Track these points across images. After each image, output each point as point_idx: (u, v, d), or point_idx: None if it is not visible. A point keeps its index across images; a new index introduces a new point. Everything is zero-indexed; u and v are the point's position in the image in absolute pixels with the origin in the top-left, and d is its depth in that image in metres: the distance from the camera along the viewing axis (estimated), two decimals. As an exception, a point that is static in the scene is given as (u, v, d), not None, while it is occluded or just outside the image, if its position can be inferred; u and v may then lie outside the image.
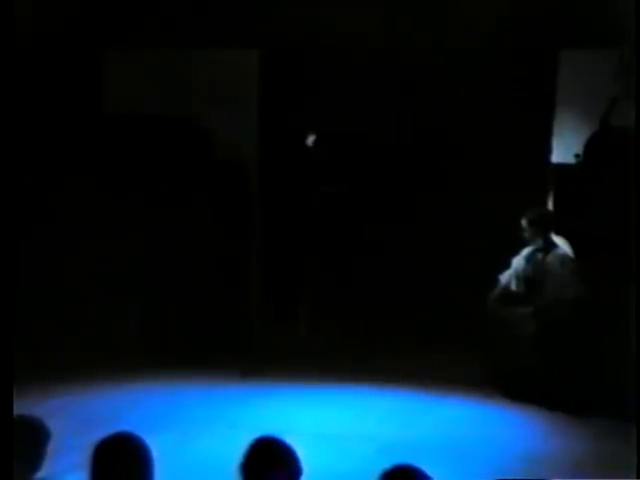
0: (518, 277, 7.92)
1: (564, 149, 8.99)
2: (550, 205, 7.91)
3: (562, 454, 6.50)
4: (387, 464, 3.51)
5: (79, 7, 9.33)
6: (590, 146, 8.75)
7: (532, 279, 7.86)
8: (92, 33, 9.46)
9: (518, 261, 7.96)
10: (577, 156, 8.77)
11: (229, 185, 9.50)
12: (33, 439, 3.89)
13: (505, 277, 7.97)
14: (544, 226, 7.86)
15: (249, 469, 3.60)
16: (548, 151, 9.07)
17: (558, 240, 7.89)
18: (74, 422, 6.43)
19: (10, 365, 3.93)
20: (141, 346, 8.63)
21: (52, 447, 3.99)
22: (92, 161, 9.13)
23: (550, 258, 7.83)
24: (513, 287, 7.93)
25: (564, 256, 7.81)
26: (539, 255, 7.90)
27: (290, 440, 3.71)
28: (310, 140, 9.08)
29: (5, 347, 3.99)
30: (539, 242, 7.89)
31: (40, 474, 3.89)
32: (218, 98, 9.43)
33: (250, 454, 3.63)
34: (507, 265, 7.99)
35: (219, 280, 9.28)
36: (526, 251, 7.97)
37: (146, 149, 9.26)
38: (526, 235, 7.89)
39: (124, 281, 8.92)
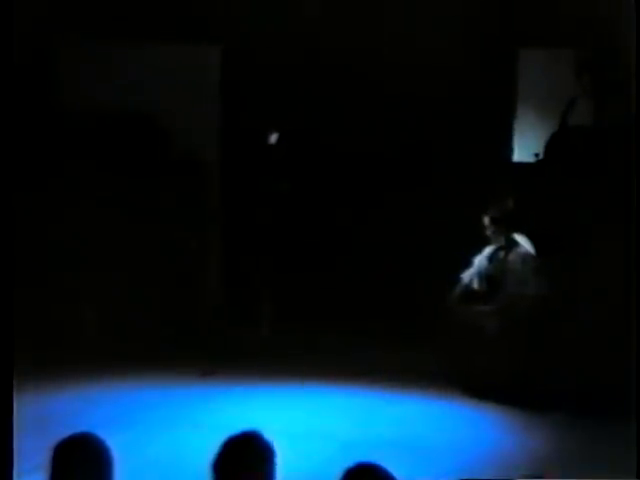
0: (480, 275, 7.96)
1: (525, 148, 9.05)
2: (511, 203, 7.96)
3: (525, 453, 6.53)
4: (350, 462, 3.50)
5: (34, 3, 9.20)
6: (549, 145, 8.83)
7: (494, 277, 7.91)
8: (50, 29, 9.35)
9: (480, 260, 8.01)
10: (536, 155, 8.85)
11: (189, 183, 9.45)
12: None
13: (467, 276, 8.01)
14: (506, 224, 7.91)
15: (223, 466, 3.45)
16: (509, 150, 9.12)
17: (519, 238, 7.94)
18: (33, 423, 6.35)
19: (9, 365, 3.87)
20: (101, 345, 8.55)
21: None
22: (48, 159, 9.02)
23: (512, 256, 7.88)
24: (475, 286, 7.97)
25: (525, 254, 7.86)
26: (501, 253, 7.95)
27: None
28: (272, 138, 9.06)
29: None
30: (501, 240, 7.94)
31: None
32: (179, 96, 9.37)
33: (226, 450, 3.49)
34: (469, 264, 8.03)
35: (180, 279, 9.22)
36: (488, 250, 8.02)
37: (105, 147, 9.18)
38: (488, 233, 7.94)
39: (83, 279, 8.83)
